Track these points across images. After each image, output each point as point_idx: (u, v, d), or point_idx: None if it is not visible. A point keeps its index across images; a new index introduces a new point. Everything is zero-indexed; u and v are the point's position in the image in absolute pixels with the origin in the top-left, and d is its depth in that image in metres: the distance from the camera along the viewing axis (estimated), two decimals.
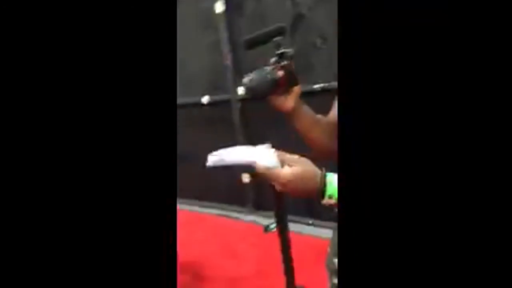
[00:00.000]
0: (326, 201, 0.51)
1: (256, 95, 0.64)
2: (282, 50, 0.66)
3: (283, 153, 0.53)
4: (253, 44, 0.68)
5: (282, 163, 0.52)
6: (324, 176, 0.51)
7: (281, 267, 1.70)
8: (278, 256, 1.84)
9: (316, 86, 1.75)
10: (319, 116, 0.73)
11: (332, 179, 0.51)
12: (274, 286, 1.57)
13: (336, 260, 0.78)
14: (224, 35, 2.02)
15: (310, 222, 1.82)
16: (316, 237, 1.79)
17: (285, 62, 0.65)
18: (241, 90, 2.07)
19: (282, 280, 1.63)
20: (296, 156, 0.53)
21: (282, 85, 0.65)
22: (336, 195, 0.50)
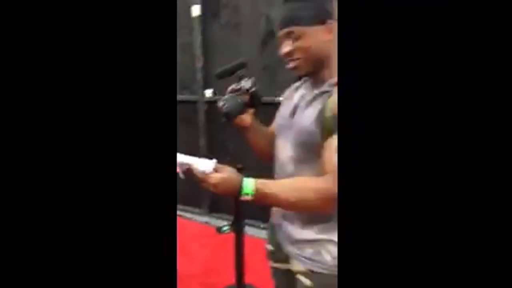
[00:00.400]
0: (243, 197, 0.67)
1: (231, 117, 0.81)
2: (246, 81, 0.83)
3: (220, 165, 0.70)
4: (222, 75, 0.85)
5: (215, 170, 0.68)
6: (242, 180, 0.68)
7: (229, 266, 1.78)
8: (227, 256, 1.93)
9: (278, 98, 1.87)
10: (263, 128, 0.90)
11: (248, 182, 0.68)
12: (221, 283, 1.64)
13: (269, 246, 0.94)
14: (197, 38, 2.07)
15: (262, 226, 1.92)
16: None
17: (253, 89, 0.82)
18: (208, 93, 2.13)
19: (229, 278, 1.71)
20: (226, 167, 0.70)
21: (248, 107, 0.84)
22: (250, 193, 0.67)
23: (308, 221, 0.75)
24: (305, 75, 0.76)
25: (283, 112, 0.83)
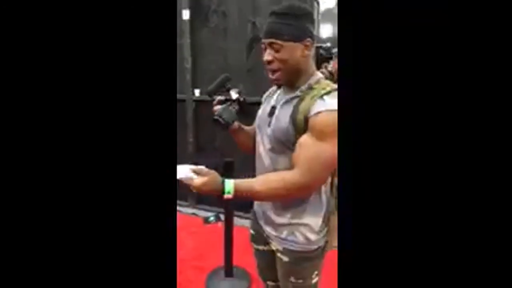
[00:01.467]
0: (225, 196, 0.80)
1: (228, 127, 0.96)
2: (235, 91, 0.98)
3: (200, 167, 0.81)
4: (214, 92, 0.99)
5: (198, 174, 0.79)
6: (223, 181, 0.80)
7: (217, 252, 1.97)
8: (215, 243, 2.12)
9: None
10: (246, 127, 1.05)
11: (228, 182, 0.79)
12: (211, 266, 1.81)
13: (251, 230, 1.10)
14: (187, 40, 2.19)
15: (244, 216, 2.10)
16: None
17: (241, 99, 0.98)
18: (197, 92, 2.27)
19: (218, 262, 1.90)
20: (208, 170, 0.81)
21: (239, 114, 0.99)
22: (231, 191, 0.79)
23: (283, 208, 0.91)
24: (284, 84, 0.86)
25: (262, 112, 0.96)
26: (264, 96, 1.03)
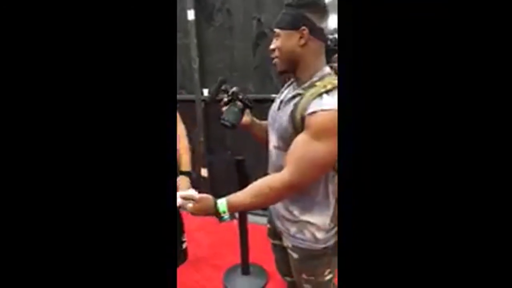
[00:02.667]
0: (222, 215, 0.82)
1: (236, 126, 0.96)
2: (232, 91, 0.98)
3: (191, 194, 0.86)
4: (213, 98, 1.01)
5: (192, 199, 0.85)
6: (215, 204, 0.82)
7: (233, 250, 1.98)
8: (231, 242, 2.13)
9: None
10: (261, 122, 1.05)
11: (220, 203, 0.82)
12: (228, 264, 1.83)
13: (268, 225, 1.10)
14: (193, 40, 2.20)
15: (261, 213, 2.10)
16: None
17: (241, 96, 0.98)
18: (206, 92, 2.28)
19: (234, 260, 1.91)
20: (200, 195, 0.85)
21: (244, 110, 0.99)
22: (225, 211, 0.81)
23: (291, 203, 0.90)
24: (282, 72, 0.87)
25: (273, 107, 0.96)
26: (282, 90, 1.01)
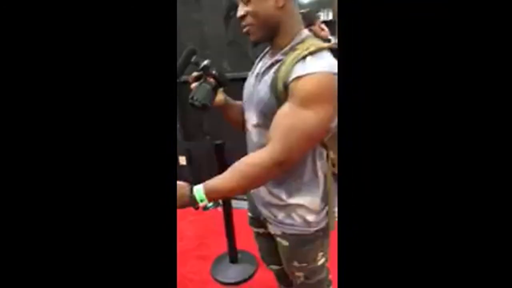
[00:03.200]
0: (201, 205, 0.70)
1: (207, 107, 0.80)
2: (203, 64, 0.82)
3: None
4: (180, 72, 0.82)
5: None
6: (191, 190, 0.70)
7: (219, 239, 1.88)
8: (216, 230, 2.02)
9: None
10: (236, 102, 0.92)
11: (197, 190, 0.69)
12: (215, 253, 1.73)
13: (249, 213, 1.00)
14: None
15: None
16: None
17: (213, 71, 0.82)
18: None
19: (221, 249, 1.81)
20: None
21: (217, 88, 0.84)
22: (204, 198, 0.69)
23: (276, 186, 0.80)
24: (258, 41, 0.76)
25: (247, 83, 0.85)
26: (256, 62, 0.89)
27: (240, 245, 1.61)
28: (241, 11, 0.72)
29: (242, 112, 0.89)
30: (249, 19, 0.72)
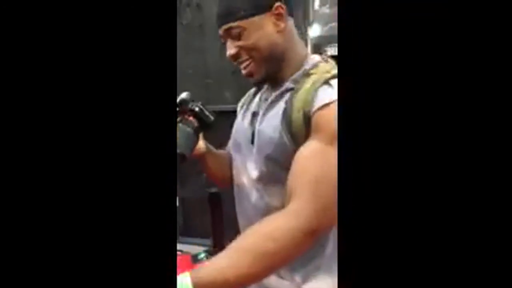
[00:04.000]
0: None
1: (187, 157, 0.62)
2: (180, 98, 0.67)
3: None
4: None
5: None
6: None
7: None
8: None
9: None
10: (220, 151, 0.75)
11: (181, 279, 0.47)
12: None
13: None
14: None
15: None
16: None
17: (194, 108, 0.65)
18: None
19: None
20: None
21: (199, 132, 0.66)
22: None
23: (290, 267, 0.57)
24: (264, 80, 0.61)
25: (239, 126, 0.68)
26: (239, 104, 0.75)
27: None
28: (230, 48, 0.59)
29: (228, 164, 0.70)
30: (244, 55, 0.59)
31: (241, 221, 0.66)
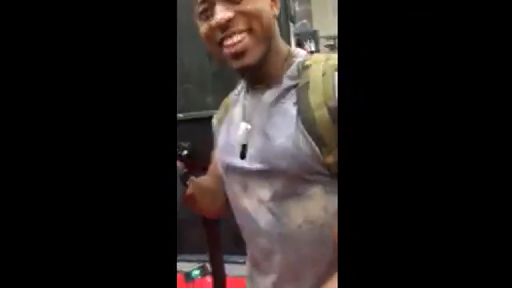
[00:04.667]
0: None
1: (181, 206, 0.56)
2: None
3: None
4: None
5: None
6: None
7: None
8: None
9: None
10: (202, 181, 0.66)
11: None
12: None
13: None
14: None
15: (241, 260, 1.59)
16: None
17: (182, 152, 0.62)
18: None
19: None
20: None
21: (187, 178, 0.59)
22: None
23: (305, 282, 0.51)
24: (253, 66, 0.50)
25: (225, 143, 0.58)
26: (215, 121, 0.66)
27: None
28: (221, 12, 0.47)
29: (220, 189, 0.62)
30: (241, 24, 0.48)
31: (254, 251, 0.57)
